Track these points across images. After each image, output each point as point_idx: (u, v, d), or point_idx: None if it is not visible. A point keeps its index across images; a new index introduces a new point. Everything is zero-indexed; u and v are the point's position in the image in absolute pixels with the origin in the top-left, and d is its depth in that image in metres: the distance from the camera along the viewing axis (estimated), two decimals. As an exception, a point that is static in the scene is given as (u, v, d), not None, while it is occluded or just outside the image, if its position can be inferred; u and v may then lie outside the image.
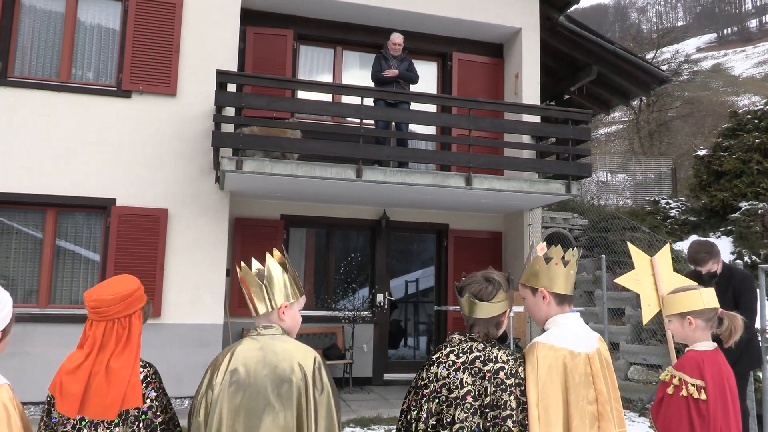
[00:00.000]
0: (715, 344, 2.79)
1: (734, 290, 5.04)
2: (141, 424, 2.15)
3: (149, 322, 7.54)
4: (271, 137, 7.77)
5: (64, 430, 2.09)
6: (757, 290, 5.64)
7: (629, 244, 3.54)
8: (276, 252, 2.37)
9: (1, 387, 2.18)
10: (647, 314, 3.39)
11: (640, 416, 7.47)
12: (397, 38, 8.85)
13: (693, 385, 2.62)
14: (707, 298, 2.78)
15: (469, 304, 2.31)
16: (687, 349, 2.82)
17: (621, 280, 3.43)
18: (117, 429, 2.11)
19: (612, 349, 9.02)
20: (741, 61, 72.03)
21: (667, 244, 3.60)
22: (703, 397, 2.60)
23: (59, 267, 7.95)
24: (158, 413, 2.19)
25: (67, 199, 7.83)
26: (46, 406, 2.14)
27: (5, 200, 7.69)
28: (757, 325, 6.30)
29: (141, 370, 2.21)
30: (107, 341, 2.16)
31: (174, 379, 7.41)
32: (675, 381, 2.68)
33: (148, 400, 2.18)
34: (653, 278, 3.36)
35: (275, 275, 2.30)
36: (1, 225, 7.86)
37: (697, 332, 2.77)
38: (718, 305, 2.80)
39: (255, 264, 2.33)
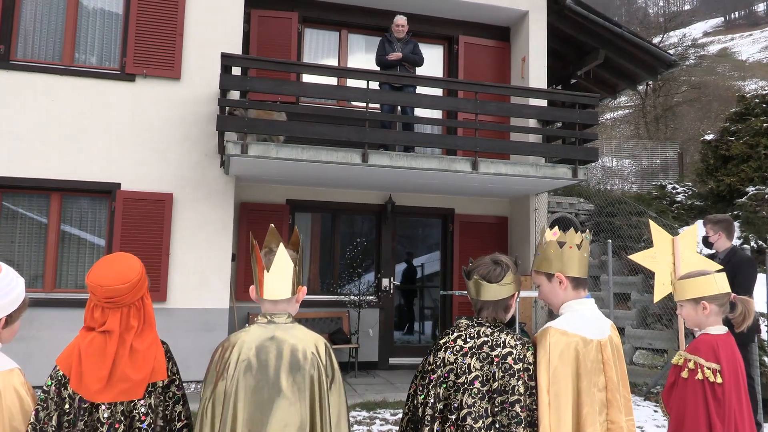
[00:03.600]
0: (727, 328, 2.77)
1: (732, 270, 5.15)
2: (166, 397, 2.16)
3: (155, 306, 7.54)
4: (278, 122, 7.73)
5: (82, 407, 2.06)
6: (758, 274, 5.73)
7: (651, 222, 3.48)
8: (276, 236, 2.30)
9: (11, 372, 2.17)
10: (660, 293, 3.35)
11: (645, 400, 7.48)
12: (400, 20, 8.76)
13: (709, 368, 2.60)
14: (721, 283, 2.76)
15: (477, 286, 2.29)
16: (699, 332, 2.79)
17: (636, 257, 3.38)
18: (141, 402, 2.10)
19: (619, 335, 9.02)
20: (748, 46, 71.27)
21: (694, 225, 3.55)
22: (719, 380, 2.58)
23: (64, 251, 7.96)
24: (179, 386, 2.21)
25: (72, 183, 7.82)
26: (54, 386, 2.09)
27: (9, 184, 7.69)
28: (763, 309, 6.32)
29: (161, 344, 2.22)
30: (128, 325, 2.14)
31: (180, 364, 7.37)
32: (690, 365, 2.66)
33: (170, 374, 2.20)
34: (672, 258, 3.31)
35: (293, 259, 2.23)
36: (6, 210, 7.86)
37: (710, 317, 2.75)
38: (730, 290, 2.78)
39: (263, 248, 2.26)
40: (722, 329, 2.75)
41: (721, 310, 2.75)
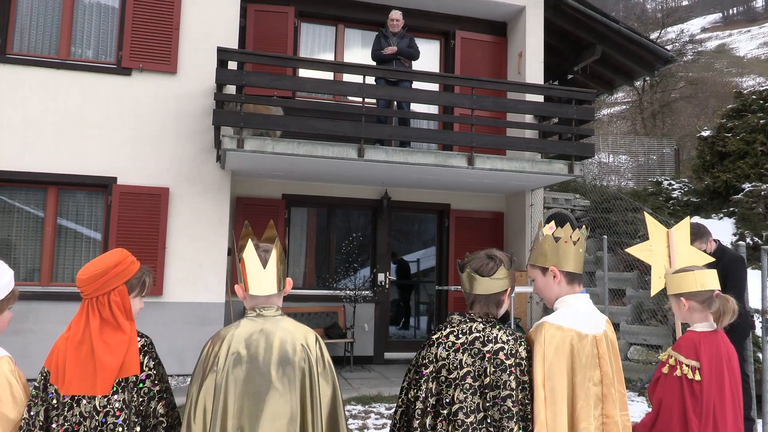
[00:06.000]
0: (715, 325, 2.77)
1: (723, 270, 5.16)
2: (140, 392, 2.15)
3: (150, 301, 7.55)
4: (274, 116, 7.73)
5: (63, 401, 2.10)
6: (752, 270, 5.73)
7: (646, 214, 3.45)
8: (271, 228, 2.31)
9: (1, 359, 2.19)
10: (656, 286, 3.33)
11: (639, 396, 7.52)
12: (395, 14, 8.75)
13: (687, 365, 2.62)
14: (702, 280, 2.73)
15: (470, 280, 2.30)
16: (687, 329, 2.81)
17: (633, 250, 3.37)
18: (115, 397, 2.11)
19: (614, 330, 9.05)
20: (746, 42, 71.24)
21: (687, 218, 3.54)
22: (698, 377, 2.59)
23: (61, 245, 7.96)
24: (156, 382, 2.20)
25: (68, 177, 7.81)
26: (42, 381, 2.14)
27: (5, 178, 7.68)
28: (757, 305, 6.34)
29: (138, 339, 2.21)
30: (90, 319, 2.16)
31: (176, 357, 7.46)
32: (671, 361, 2.68)
33: (147, 369, 2.19)
34: (668, 250, 3.30)
35: (281, 253, 2.25)
36: (2, 203, 7.85)
37: (694, 314, 2.75)
38: (715, 287, 2.76)
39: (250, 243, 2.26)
40: (709, 326, 2.75)
41: (704, 307, 2.74)
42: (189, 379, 7.63)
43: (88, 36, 8.22)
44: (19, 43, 7.96)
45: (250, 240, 2.22)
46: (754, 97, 13.92)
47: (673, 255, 3.27)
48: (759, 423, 6.04)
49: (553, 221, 2.50)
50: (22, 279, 7.68)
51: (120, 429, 2.09)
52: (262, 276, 2.19)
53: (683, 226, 3.39)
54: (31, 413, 2.09)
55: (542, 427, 2.13)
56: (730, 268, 5.26)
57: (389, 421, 6.30)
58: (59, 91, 7.85)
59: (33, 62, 7.85)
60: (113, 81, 8.02)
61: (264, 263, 2.18)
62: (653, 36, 25.56)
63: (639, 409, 6.90)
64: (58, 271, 7.91)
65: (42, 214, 7.93)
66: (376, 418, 6.46)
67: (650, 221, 3.39)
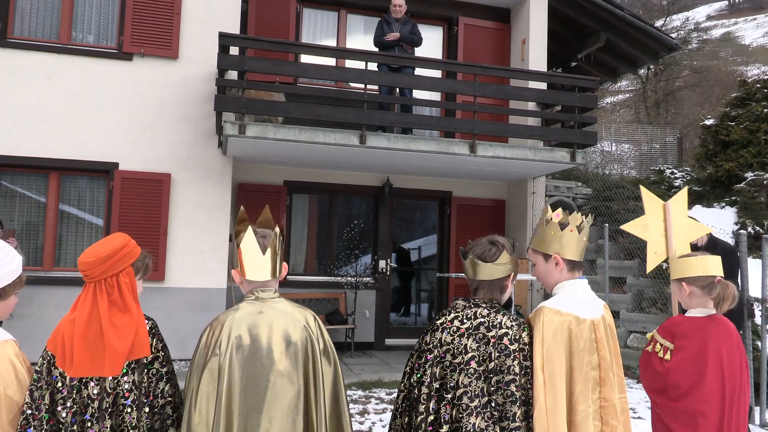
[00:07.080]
0: (712, 312, 2.79)
1: None
2: (149, 373, 2.17)
3: (152, 286, 7.59)
4: (276, 102, 7.71)
5: (71, 384, 2.10)
6: (754, 259, 5.74)
7: (642, 188, 3.32)
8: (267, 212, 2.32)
9: (5, 343, 2.21)
10: (653, 262, 3.28)
11: (638, 383, 7.55)
12: (398, 0, 8.68)
13: (661, 345, 2.72)
14: (705, 265, 2.77)
15: (473, 266, 2.31)
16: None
17: (627, 227, 3.28)
18: (125, 378, 2.13)
19: (612, 317, 9.07)
20: (752, 30, 70.64)
21: (685, 188, 3.47)
22: (667, 357, 2.64)
23: (63, 230, 7.98)
24: (164, 363, 2.22)
25: (70, 162, 7.81)
26: (45, 365, 2.14)
27: (7, 163, 7.68)
28: (758, 294, 6.35)
29: (146, 321, 2.22)
30: (98, 301, 2.17)
31: (179, 342, 7.48)
32: (649, 336, 2.84)
33: (155, 351, 2.21)
34: (664, 224, 3.23)
35: (279, 239, 2.26)
36: (4, 188, 7.86)
37: (693, 299, 2.79)
38: (717, 273, 2.79)
39: (248, 230, 2.24)
40: (703, 312, 2.79)
41: (703, 292, 2.78)
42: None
43: (89, 20, 8.18)
44: (19, 27, 7.93)
45: (249, 226, 2.22)
46: (758, 85, 13.83)
47: (670, 228, 3.21)
48: (756, 410, 6.08)
49: (559, 208, 2.50)
50: (25, 264, 7.68)
51: (129, 410, 2.10)
52: (260, 262, 2.19)
53: (680, 197, 3.33)
54: (34, 397, 2.09)
55: (542, 410, 2.14)
56: (723, 260, 5.27)
57: (389, 406, 6.34)
58: (60, 75, 7.83)
59: (34, 47, 7.82)
60: (114, 66, 7.99)
61: (263, 249, 2.19)
62: (658, 23, 25.42)
63: (637, 395, 6.93)
64: (60, 256, 7.94)
65: (44, 199, 7.94)
66: (377, 403, 6.50)
67: (645, 194, 3.29)
